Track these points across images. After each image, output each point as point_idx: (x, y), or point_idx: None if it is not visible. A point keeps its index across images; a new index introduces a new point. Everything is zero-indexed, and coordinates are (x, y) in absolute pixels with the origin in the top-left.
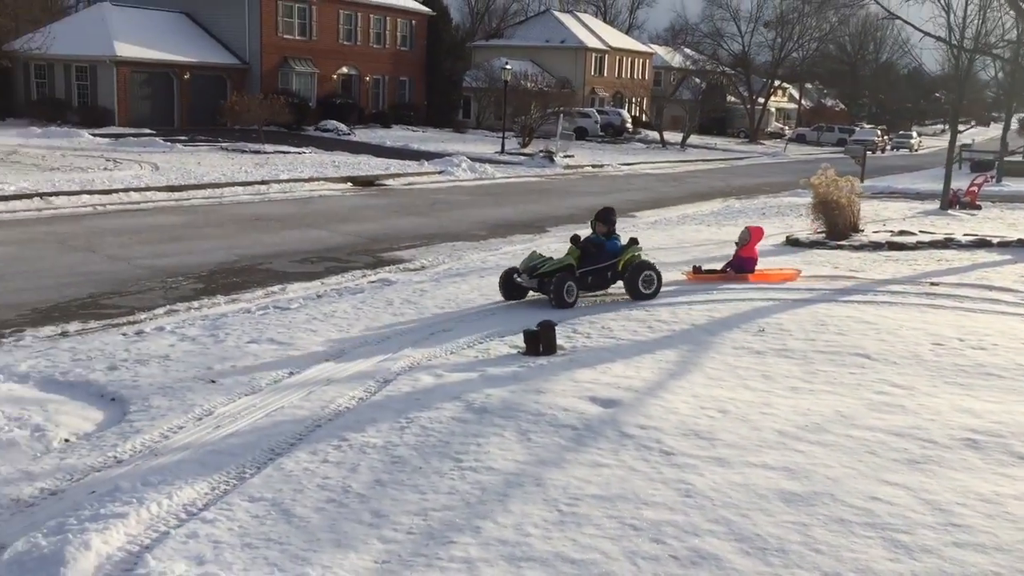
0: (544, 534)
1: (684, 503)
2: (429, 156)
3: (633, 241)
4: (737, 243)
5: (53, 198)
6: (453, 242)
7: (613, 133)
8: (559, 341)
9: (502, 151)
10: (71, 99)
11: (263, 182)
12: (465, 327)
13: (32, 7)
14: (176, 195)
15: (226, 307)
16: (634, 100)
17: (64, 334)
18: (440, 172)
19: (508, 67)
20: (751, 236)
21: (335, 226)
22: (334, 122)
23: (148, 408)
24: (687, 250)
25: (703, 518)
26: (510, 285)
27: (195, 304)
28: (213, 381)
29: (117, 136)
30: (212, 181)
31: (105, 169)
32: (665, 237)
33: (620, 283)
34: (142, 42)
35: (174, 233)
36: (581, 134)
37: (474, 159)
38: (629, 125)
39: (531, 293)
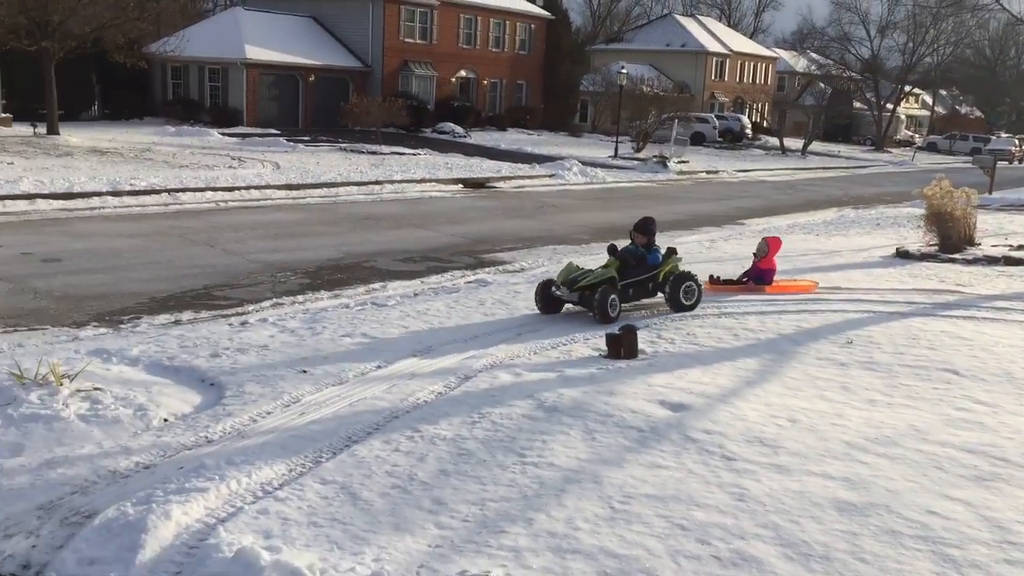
0: (593, 529)
1: (736, 507)
2: (541, 159)
3: (672, 251)
4: (755, 254)
5: (180, 194)
6: (555, 245)
7: (732, 139)
8: (642, 346)
9: (615, 155)
10: (204, 100)
11: (377, 182)
12: (552, 328)
13: (173, 12)
14: (294, 193)
15: (327, 302)
16: (755, 105)
17: (177, 322)
18: (551, 176)
19: (624, 71)
20: (769, 247)
21: (441, 227)
22: (451, 124)
23: (242, 394)
24: (789, 259)
25: (752, 522)
26: (548, 298)
27: (299, 298)
28: (304, 371)
29: (244, 136)
30: (328, 180)
31: (230, 167)
32: None
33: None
34: (271, 45)
35: (288, 230)
36: (698, 140)
37: (586, 163)
38: (748, 131)
39: (567, 306)
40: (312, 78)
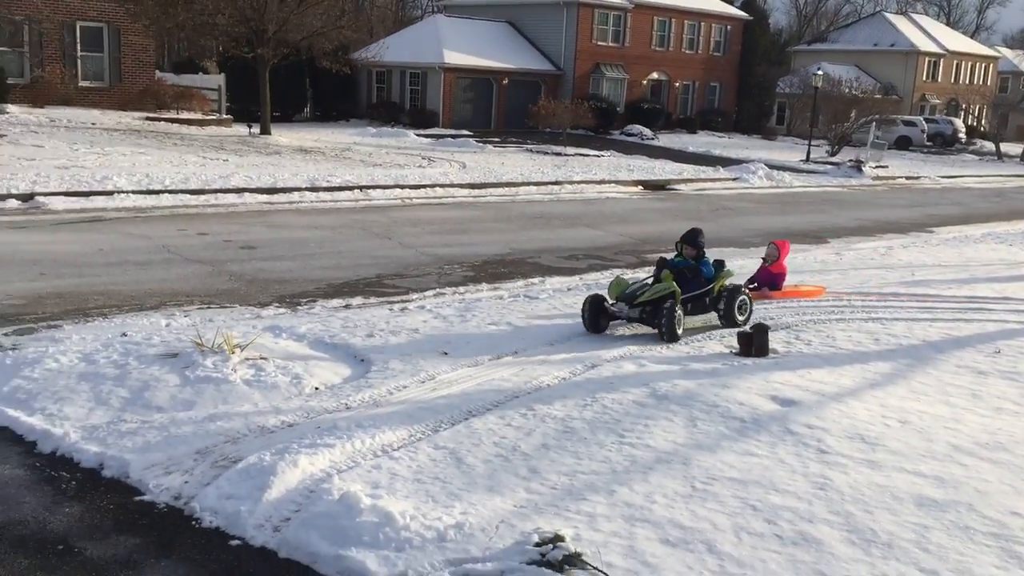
0: (668, 503)
1: (813, 495)
2: (727, 162)
3: (721, 264)
4: (765, 259)
5: (370, 190)
6: (722, 248)
7: (942, 143)
8: (776, 346)
9: (807, 159)
10: (404, 102)
11: (556, 182)
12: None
13: (379, 20)
14: (475, 192)
15: (485, 293)
16: (971, 108)
17: (347, 306)
18: (735, 179)
19: (819, 72)
20: (779, 251)
21: (611, 227)
22: (639, 127)
23: (385, 369)
24: (971, 269)
25: (825, 509)
26: (597, 314)
27: (460, 289)
28: (445, 353)
29: (438, 136)
30: (509, 180)
31: (419, 166)
32: (953, 254)
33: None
34: (468, 50)
35: (462, 226)
36: (904, 144)
37: (774, 167)
38: (962, 135)
39: (616, 323)
40: (505, 81)
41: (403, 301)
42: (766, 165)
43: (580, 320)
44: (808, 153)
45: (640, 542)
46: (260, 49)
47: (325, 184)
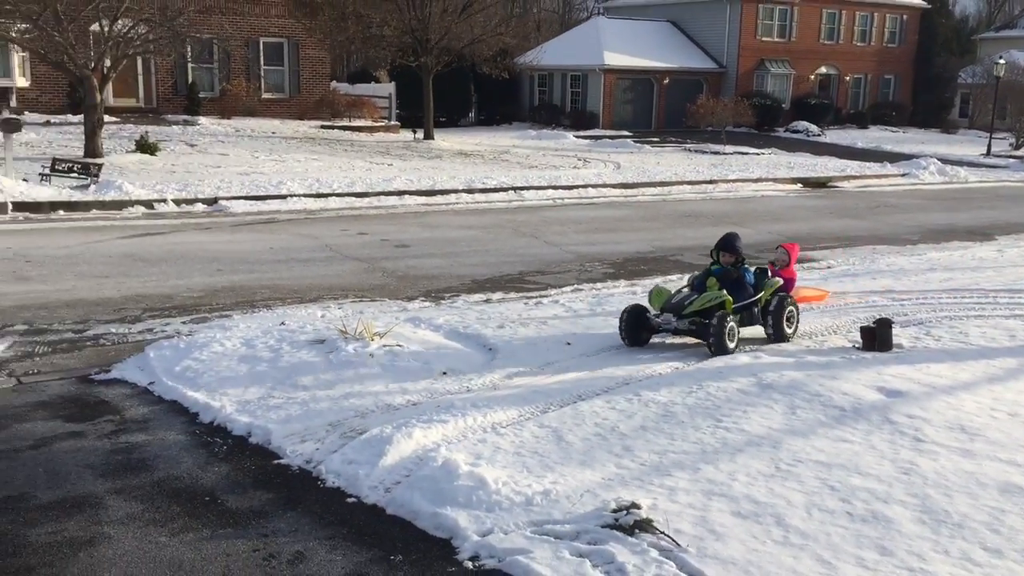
0: (749, 481)
1: (896, 479)
2: (897, 158)
3: (764, 272)
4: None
5: (523, 191)
6: (875, 245)
7: None
8: (903, 341)
9: (987, 154)
10: (564, 105)
11: (710, 181)
12: (818, 319)
13: (535, 24)
14: (627, 191)
15: (620, 289)
16: None
17: (487, 300)
18: (902, 175)
19: (1001, 60)
20: (789, 255)
21: (761, 225)
22: (804, 123)
23: (510, 357)
24: None
25: (904, 492)
26: (638, 327)
27: (598, 285)
28: (568, 344)
29: (596, 138)
30: (662, 179)
31: (574, 167)
32: None
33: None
34: (628, 51)
35: (609, 225)
36: None
37: (949, 162)
38: None
39: (657, 336)
40: (666, 81)
41: (540, 296)
42: (940, 160)
43: None
44: (989, 147)
45: (713, 513)
46: (424, 58)
47: (481, 186)
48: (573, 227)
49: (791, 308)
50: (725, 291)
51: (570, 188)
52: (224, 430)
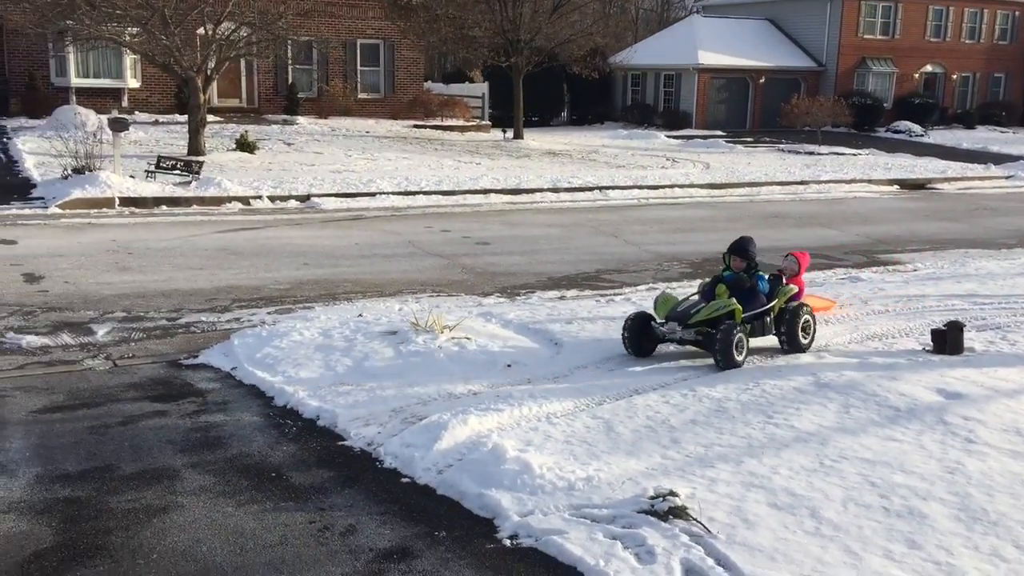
0: (790, 475)
1: (939, 477)
2: (1003, 159)
3: (778, 278)
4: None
5: (608, 191)
6: (968, 249)
7: None
8: (976, 345)
9: None
10: (657, 104)
11: (801, 182)
12: (891, 322)
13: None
14: (714, 192)
15: (696, 288)
16: None
17: (561, 297)
18: (1007, 177)
19: None
20: (799, 263)
21: (849, 227)
22: (907, 123)
23: (575, 352)
24: None
25: (945, 490)
26: (642, 335)
27: (672, 284)
28: None
29: (688, 138)
30: (751, 180)
31: (661, 167)
32: None
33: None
34: (723, 50)
35: (692, 225)
36: None
37: None
38: None
39: (662, 347)
40: (762, 80)
41: (613, 294)
42: None
43: None
44: None
45: (749, 504)
46: (514, 58)
47: (566, 185)
48: (655, 227)
49: (807, 317)
50: (735, 299)
51: (655, 188)
52: (295, 413)
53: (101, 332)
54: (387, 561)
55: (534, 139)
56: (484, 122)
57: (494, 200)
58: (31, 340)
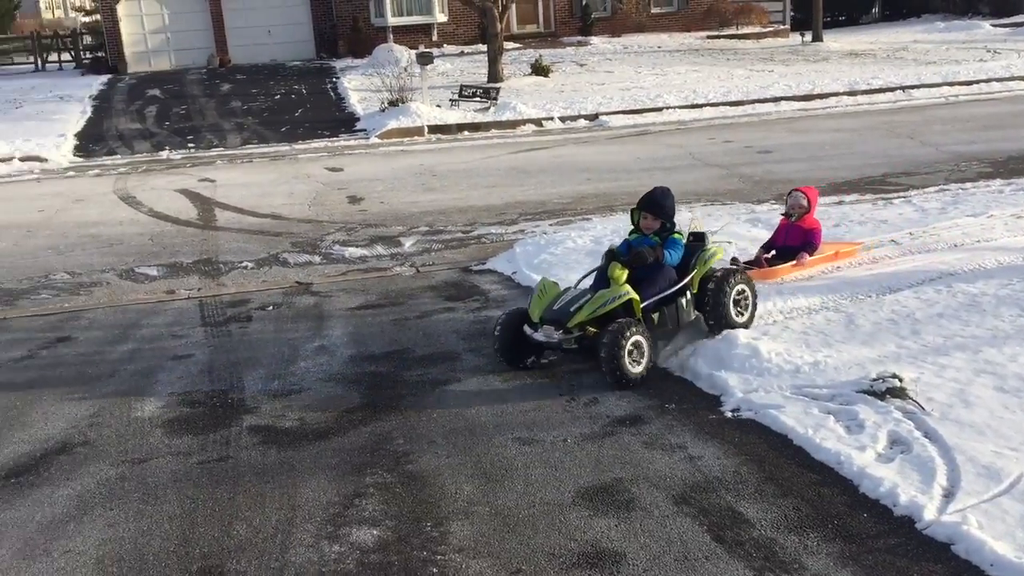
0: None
1: None
2: None
3: (700, 237)
4: (788, 214)
5: (912, 91)
6: None
7: None
8: None
9: None
10: None
11: None
12: None
13: None
14: None
15: (990, 188)
16: None
17: (839, 203)
18: None
19: None
20: (810, 202)
21: None
22: None
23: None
24: None
25: None
26: (514, 341)
27: (966, 185)
28: (910, 233)
29: (1018, 25)
30: None
31: (979, 60)
32: None
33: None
34: None
35: (1002, 121)
36: None
37: None
38: None
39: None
40: None
41: (896, 197)
42: None
43: None
44: None
45: (974, 387)
46: None
47: (864, 87)
48: (958, 126)
49: (741, 287)
50: (628, 286)
51: (968, 84)
52: None
53: (408, 244)
54: (620, 425)
55: (835, 40)
56: (783, 27)
57: (784, 108)
58: (352, 251)
